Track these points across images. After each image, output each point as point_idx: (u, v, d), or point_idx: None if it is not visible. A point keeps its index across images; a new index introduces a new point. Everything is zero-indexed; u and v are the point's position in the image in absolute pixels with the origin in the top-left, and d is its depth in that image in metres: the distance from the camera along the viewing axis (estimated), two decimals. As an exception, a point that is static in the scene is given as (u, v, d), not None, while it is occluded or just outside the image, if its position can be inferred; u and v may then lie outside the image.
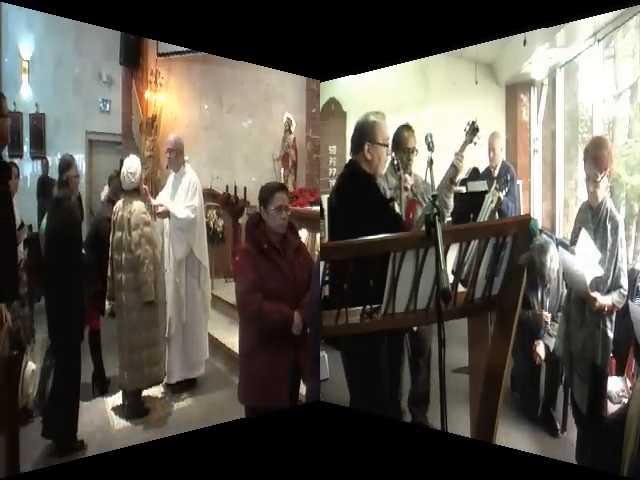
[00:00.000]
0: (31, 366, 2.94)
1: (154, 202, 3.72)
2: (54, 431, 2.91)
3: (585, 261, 2.47)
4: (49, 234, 2.99)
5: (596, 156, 2.44)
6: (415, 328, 2.71)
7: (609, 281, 2.39)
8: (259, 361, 2.56)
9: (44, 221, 3.13)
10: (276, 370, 2.54)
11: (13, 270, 2.46)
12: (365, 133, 2.59)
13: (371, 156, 2.56)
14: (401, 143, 2.84)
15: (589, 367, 2.45)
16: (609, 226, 2.39)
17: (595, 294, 2.40)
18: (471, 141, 2.78)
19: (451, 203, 2.79)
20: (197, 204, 3.77)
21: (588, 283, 2.43)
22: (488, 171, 3.36)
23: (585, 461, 2.49)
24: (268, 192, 2.61)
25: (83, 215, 4.17)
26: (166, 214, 3.72)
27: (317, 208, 4.02)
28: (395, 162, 2.76)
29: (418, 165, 2.85)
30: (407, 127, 2.91)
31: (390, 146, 2.71)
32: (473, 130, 2.77)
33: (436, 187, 2.67)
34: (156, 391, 3.66)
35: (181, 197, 3.76)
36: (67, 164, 3.02)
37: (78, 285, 3.04)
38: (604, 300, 2.40)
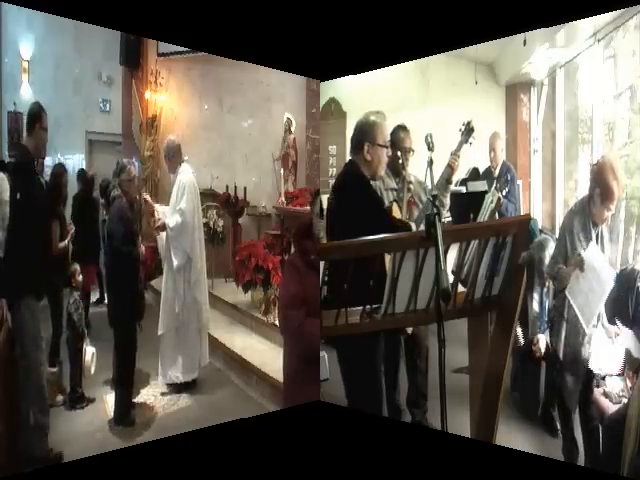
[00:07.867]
0: (91, 349, 3.30)
1: (157, 214, 3.69)
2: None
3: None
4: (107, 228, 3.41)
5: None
6: (410, 330, 2.69)
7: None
8: (304, 388, 2.39)
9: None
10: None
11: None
12: (365, 133, 2.54)
13: (370, 157, 2.51)
14: (397, 143, 2.82)
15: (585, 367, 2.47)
16: None
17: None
18: (466, 141, 2.77)
19: (447, 202, 2.79)
20: (185, 206, 3.63)
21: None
22: (489, 171, 3.36)
23: (585, 461, 2.49)
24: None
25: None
26: (163, 227, 3.66)
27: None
28: (400, 161, 2.75)
29: (418, 165, 2.85)
30: (403, 127, 2.90)
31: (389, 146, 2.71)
32: (468, 130, 2.76)
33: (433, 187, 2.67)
34: (156, 391, 3.66)
35: (172, 200, 3.71)
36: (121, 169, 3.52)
37: (136, 277, 3.36)
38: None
